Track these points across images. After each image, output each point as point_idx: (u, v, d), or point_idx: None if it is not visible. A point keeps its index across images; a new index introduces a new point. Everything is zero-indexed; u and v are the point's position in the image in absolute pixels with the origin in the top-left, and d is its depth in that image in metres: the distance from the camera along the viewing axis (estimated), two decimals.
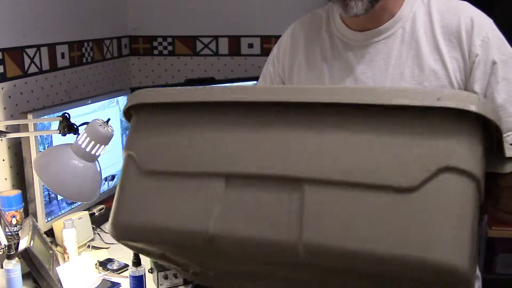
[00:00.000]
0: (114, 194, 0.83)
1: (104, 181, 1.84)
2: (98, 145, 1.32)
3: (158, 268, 1.40)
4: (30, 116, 1.52)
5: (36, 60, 1.81)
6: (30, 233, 1.36)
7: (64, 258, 1.51)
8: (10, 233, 1.46)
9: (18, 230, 1.49)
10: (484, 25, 1.09)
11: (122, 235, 0.82)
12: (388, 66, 1.12)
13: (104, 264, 1.49)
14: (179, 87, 0.83)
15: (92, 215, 1.74)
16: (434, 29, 1.10)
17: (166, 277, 1.39)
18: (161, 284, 1.39)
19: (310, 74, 1.21)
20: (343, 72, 1.16)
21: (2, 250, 1.35)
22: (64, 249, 1.50)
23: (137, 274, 1.33)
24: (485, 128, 0.69)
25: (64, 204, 1.68)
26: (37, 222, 1.52)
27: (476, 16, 1.10)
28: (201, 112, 0.79)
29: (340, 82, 1.16)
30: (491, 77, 1.08)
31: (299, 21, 1.30)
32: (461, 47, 1.08)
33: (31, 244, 1.31)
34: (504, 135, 1.13)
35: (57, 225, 1.59)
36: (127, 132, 0.87)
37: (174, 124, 0.81)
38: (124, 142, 0.86)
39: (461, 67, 1.09)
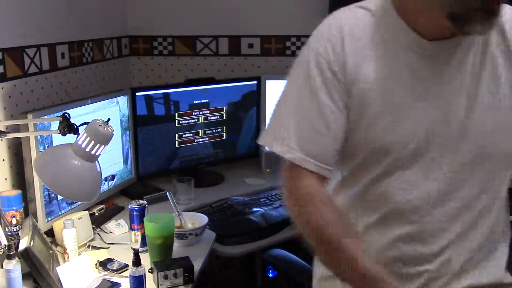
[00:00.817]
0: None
1: (104, 181, 1.84)
2: (98, 145, 1.32)
3: (158, 268, 1.40)
4: (30, 116, 1.52)
5: (36, 60, 1.81)
6: (30, 233, 1.36)
7: (64, 258, 1.51)
8: (10, 233, 1.46)
9: (18, 230, 1.49)
10: None
11: None
12: (464, 80, 1.04)
13: (104, 264, 1.49)
14: None
15: (92, 215, 1.74)
16: (509, 43, 1.05)
17: (166, 277, 1.38)
18: (161, 284, 1.39)
19: (377, 85, 1.06)
20: (414, 82, 1.05)
21: (2, 250, 1.35)
22: (64, 249, 1.50)
23: (137, 274, 1.33)
24: None
25: (64, 204, 1.68)
26: (37, 222, 1.52)
27: None
28: None
29: (414, 93, 1.05)
30: None
31: (347, 22, 1.08)
32: None
33: (31, 244, 1.31)
34: None
35: (57, 225, 1.59)
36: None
37: None
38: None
39: None
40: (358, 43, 1.06)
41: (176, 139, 2.18)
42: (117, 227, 1.75)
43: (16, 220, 1.51)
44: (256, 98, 2.36)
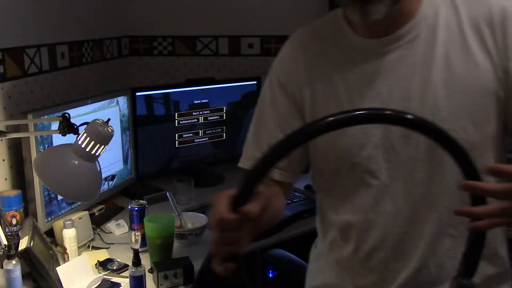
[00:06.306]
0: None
1: (104, 181, 1.84)
2: (98, 145, 1.32)
3: (158, 268, 1.40)
4: (30, 116, 1.52)
5: (36, 60, 1.81)
6: (30, 233, 1.36)
7: (64, 258, 1.51)
8: (10, 233, 1.46)
9: (18, 230, 1.49)
10: None
11: None
12: (414, 73, 1.00)
13: (104, 264, 1.49)
14: None
15: (92, 215, 1.74)
16: (462, 24, 0.99)
17: (166, 277, 1.38)
18: (161, 284, 1.39)
19: (326, 94, 1.08)
20: (362, 85, 1.04)
21: (2, 250, 1.35)
22: (64, 249, 1.50)
23: (137, 274, 1.33)
24: None
25: (64, 204, 1.68)
26: (37, 222, 1.52)
27: (508, 3, 0.98)
28: None
29: (360, 96, 1.04)
30: None
31: (299, 36, 1.16)
32: (495, 38, 0.98)
33: (31, 244, 1.31)
34: None
35: (57, 225, 1.59)
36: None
37: None
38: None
39: (495, 61, 0.98)
40: (304, 63, 1.11)
41: (176, 139, 2.18)
42: (117, 227, 1.75)
43: (16, 220, 1.51)
44: (256, 98, 2.34)
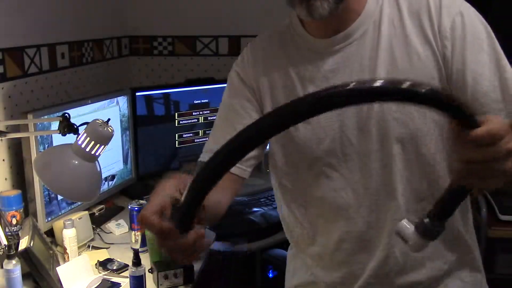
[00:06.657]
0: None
1: (104, 181, 1.84)
2: (98, 145, 1.32)
3: (158, 268, 1.40)
4: (30, 116, 1.52)
5: (36, 60, 1.81)
6: (30, 233, 1.36)
7: (64, 258, 1.51)
8: (10, 233, 1.46)
9: (18, 230, 1.49)
10: (454, 2, 1.02)
11: None
12: (364, 69, 1.05)
13: (104, 264, 1.49)
14: None
15: (92, 215, 1.74)
16: (403, 18, 1.04)
17: (166, 277, 1.39)
18: (161, 284, 1.39)
19: (285, 91, 1.12)
20: (317, 82, 1.08)
21: (2, 250, 1.35)
22: (64, 249, 1.50)
23: (137, 274, 1.33)
24: None
25: (64, 204, 1.68)
26: (37, 222, 1.52)
27: None
28: None
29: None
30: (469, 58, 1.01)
31: (259, 38, 1.21)
32: (432, 27, 1.01)
33: (31, 244, 1.31)
34: None
35: (57, 225, 1.59)
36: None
37: None
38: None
39: (435, 50, 1.02)
40: (264, 65, 1.15)
41: (176, 139, 2.18)
42: (117, 227, 1.75)
43: (16, 220, 1.51)
44: None
